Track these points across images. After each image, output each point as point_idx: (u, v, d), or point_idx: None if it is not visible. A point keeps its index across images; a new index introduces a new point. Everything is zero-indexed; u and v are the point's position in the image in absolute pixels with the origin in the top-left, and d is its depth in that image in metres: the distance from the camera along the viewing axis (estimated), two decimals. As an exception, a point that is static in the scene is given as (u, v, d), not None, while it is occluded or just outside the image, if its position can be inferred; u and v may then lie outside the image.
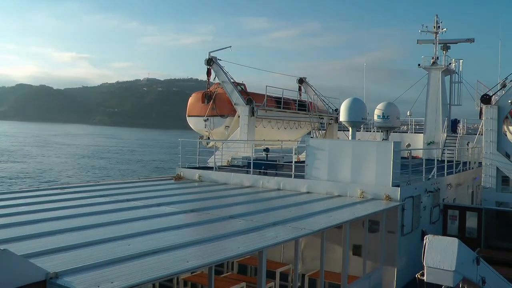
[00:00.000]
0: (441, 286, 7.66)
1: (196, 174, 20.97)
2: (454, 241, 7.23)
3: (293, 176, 18.75)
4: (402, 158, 19.49)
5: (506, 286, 9.42)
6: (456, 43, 37.75)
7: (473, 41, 37.83)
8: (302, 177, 18.51)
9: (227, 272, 16.23)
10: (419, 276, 7.36)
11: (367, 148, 17.74)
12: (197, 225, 11.70)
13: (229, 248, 9.41)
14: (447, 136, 35.38)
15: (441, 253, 7.09)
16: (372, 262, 15.46)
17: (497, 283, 8.87)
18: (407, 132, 39.14)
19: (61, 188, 17.39)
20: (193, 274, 14.60)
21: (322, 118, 33.65)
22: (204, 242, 9.70)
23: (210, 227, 11.51)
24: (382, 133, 32.70)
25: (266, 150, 23.08)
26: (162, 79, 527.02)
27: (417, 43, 38.52)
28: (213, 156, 23.12)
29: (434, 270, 7.11)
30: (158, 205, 14.03)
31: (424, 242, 7.28)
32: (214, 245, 9.52)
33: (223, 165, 22.78)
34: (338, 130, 35.09)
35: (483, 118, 23.22)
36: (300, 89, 35.13)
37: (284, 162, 23.56)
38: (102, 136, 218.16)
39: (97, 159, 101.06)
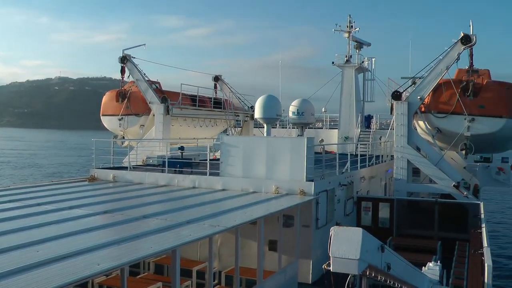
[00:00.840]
0: (348, 274, 8.00)
1: (110, 174, 20.50)
2: (359, 231, 7.55)
3: (208, 173, 18.75)
4: (317, 153, 19.98)
5: (410, 269, 9.95)
6: (361, 43, 39.19)
7: (370, 45, 40.06)
8: (217, 174, 18.55)
9: (143, 273, 16.04)
10: (325, 266, 7.61)
11: (281, 144, 18.01)
12: (110, 227, 11.46)
13: (142, 248, 9.30)
14: (360, 131, 36.68)
15: (346, 243, 7.39)
16: (287, 257, 15.74)
17: (401, 267, 9.33)
18: (322, 128, 40.22)
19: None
20: (108, 277, 14.31)
21: (238, 116, 33.89)
22: (116, 243, 9.53)
23: (123, 228, 11.31)
24: (297, 129, 33.35)
25: (181, 148, 23.02)
26: (74, 78, 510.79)
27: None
28: (127, 155, 22.74)
29: (340, 260, 7.39)
30: (70, 208, 13.60)
31: (330, 234, 7.54)
32: (126, 246, 9.38)
33: (138, 164, 22.45)
34: (254, 127, 35.45)
35: (394, 114, 24.23)
36: (215, 86, 35.23)
37: (199, 160, 23.53)
38: (5, 138, 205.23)
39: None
